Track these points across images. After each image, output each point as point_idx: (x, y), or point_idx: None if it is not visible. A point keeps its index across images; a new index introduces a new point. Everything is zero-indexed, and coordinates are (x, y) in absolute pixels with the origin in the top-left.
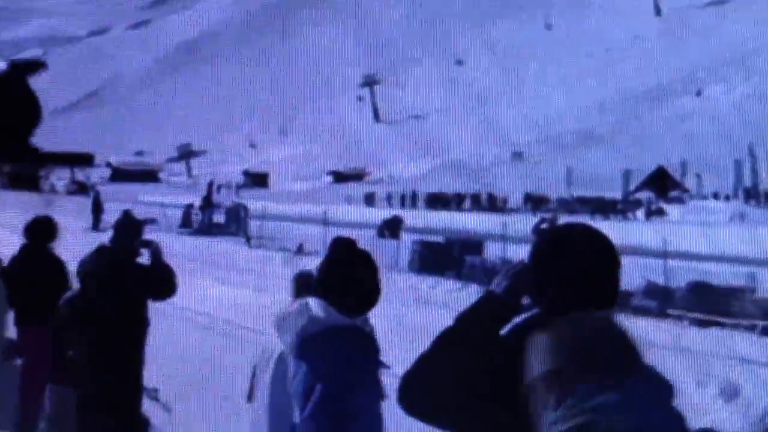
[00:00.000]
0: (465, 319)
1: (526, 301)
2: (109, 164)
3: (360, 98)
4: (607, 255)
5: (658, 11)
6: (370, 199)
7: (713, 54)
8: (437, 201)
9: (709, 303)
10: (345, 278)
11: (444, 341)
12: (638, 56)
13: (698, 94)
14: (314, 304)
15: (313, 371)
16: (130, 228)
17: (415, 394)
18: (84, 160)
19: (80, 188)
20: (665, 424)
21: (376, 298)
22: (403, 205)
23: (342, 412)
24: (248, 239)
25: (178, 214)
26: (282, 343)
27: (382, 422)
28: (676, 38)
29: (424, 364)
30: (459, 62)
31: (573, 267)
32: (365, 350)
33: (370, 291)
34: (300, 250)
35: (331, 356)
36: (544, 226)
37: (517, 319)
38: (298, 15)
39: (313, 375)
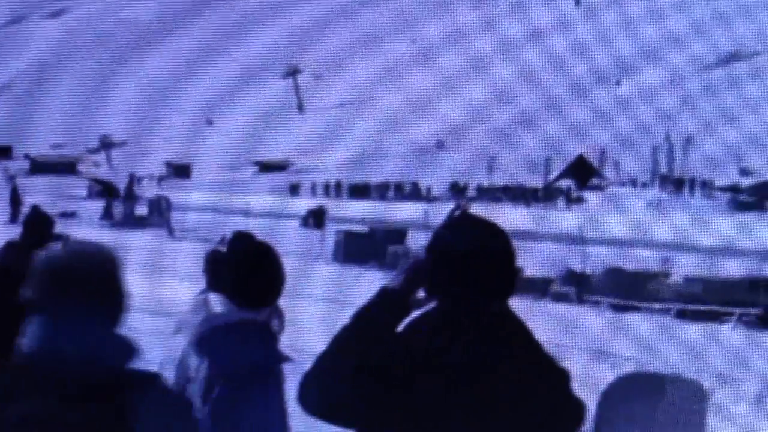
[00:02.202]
0: (362, 316)
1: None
2: (27, 156)
3: (284, 88)
4: (501, 246)
5: (577, 2)
6: (294, 189)
7: (632, 44)
8: (361, 190)
9: (625, 287)
10: (243, 273)
11: (342, 339)
12: (558, 45)
13: (618, 83)
14: (213, 299)
15: (213, 367)
16: (39, 223)
17: (314, 393)
18: (1, 152)
19: None
20: None
21: (276, 291)
22: (327, 194)
23: (243, 407)
24: (171, 231)
25: (99, 206)
26: (183, 339)
27: (286, 416)
28: (595, 28)
29: (322, 363)
30: (381, 51)
31: (469, 259)
32: (265, 344)
33: (270, 285)
34: (223, 242)
35: (230, 351)
36: (457, 214)
37: (414, 314)
38: (218, 4)
39: (213, 370)
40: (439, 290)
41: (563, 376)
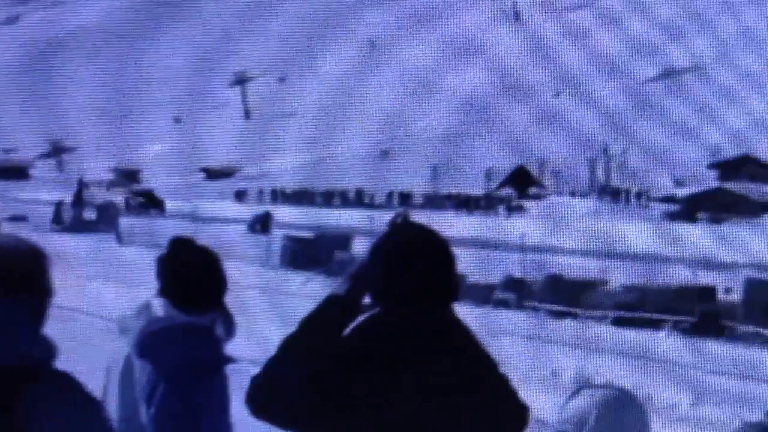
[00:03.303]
0: (309, 322)
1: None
2: None
3: (232, 96)
4: (441, 252)
5: (517, 16)
6: (240, 195)
7: (570, 57)
8: (306, 197)
9: (564, 295)
10: (181, 277)
11: (289, 345)
12: (499, 59)
13: (556, 95)
14: (156, 303)
15: (155, 370)
16: None
17: (262, 397)
18: None
19: None
20: None
21: (217, 296)
22: (273, 201)
23: (186, 411)
24: (119, 236)
25: (50, 210)
26: (125, 344)
27: (229, 418)
28: (535, 42)
29: (270, 368)
30: (316, 65)
31: (409, 265)
32: (206, 347)
33: (210, 289)
34: None
35: (170, 354)
36: (399, 221)
37: (359, 319)
38: (172, 11)
39: (156, 374)
40: (382, 296)
41: (504, 382)
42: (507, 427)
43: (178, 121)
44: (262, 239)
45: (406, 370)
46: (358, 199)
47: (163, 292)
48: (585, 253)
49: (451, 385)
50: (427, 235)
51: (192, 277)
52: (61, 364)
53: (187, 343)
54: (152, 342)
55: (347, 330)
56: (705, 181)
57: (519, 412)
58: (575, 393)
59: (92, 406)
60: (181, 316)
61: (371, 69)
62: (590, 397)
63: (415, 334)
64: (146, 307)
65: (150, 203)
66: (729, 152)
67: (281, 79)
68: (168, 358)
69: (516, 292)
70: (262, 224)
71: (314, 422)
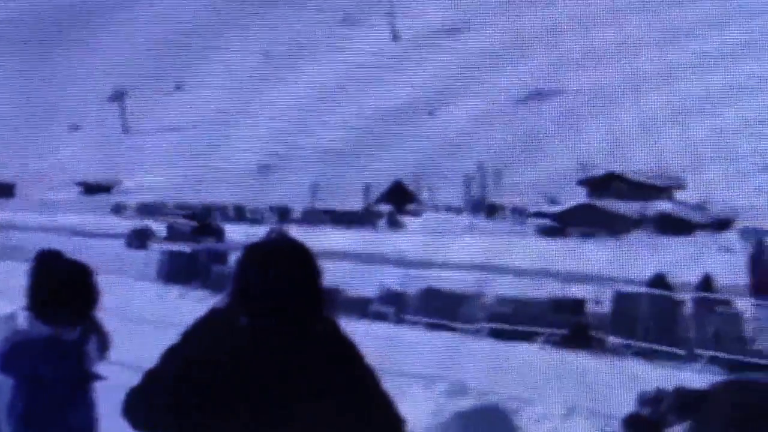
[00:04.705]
0: (189, 334)
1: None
2: None
3: (111, 110)
4: (302, 264)
5: (395, 37)
6: (118, 209)
7: (446, 77)
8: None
9: (441, 308)
10: (45, 290)
11: (168, 356)
12: (375, 78)
13: (431, 113)
14: (21, 316)
15: (17, 384)
16: None
17: (140, 408)
18: None
19: None
20: None
21: (83, 310)
22: (151, 216)
23: (49, 422)
24: None
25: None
26: None
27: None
28: (412, 62)
29: (149, 379)
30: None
31: (265, 278)
32: (70, 361)
33: (76, 303)
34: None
35: (31, 367)
36: (273, 236)
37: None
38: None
39: (17, 388)
40: (244, 307)
41: (381, 394)
42: None
43: (71, 129)
44: (140, 254)
45: (271, 380)
46: (238, 215)
47: (28, 304)
48: (461, 267)
49: (316, 396)
50: (287, 248)
51: (55, 289)
52: None
53: (47, 357)
54: (12, 355)
55: (226, 342)
56: (576, 198)
57: (395, 423)
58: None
59: None
60: (45, 330)
61: (260, 82)
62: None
63: (277, 345)
64: (10, 318)
65: (203, 229)
66: (597, 170)
67: (173, 90)
68: (29, 371)
69: (394, 306)
70: (140, 238)
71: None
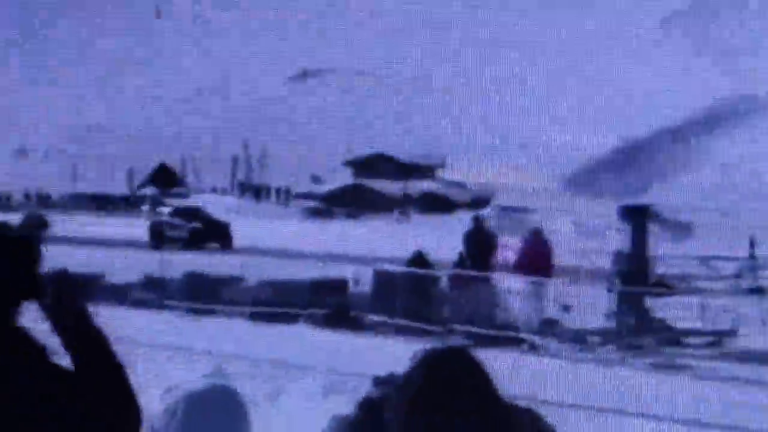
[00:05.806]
0: None
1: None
2: None
3: None
4: (20, 250)
5: (158, 14)
6: None
7: (210, 57)
8: None
9: (204, 292)
10: None
11: None
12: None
13: (198, 93)
14: None
15: None
16: None
17: None
18: None
19: None
20: None
21: None
22: None
23: None
24: None
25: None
26: None
27: None
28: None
29: None
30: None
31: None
32: None
33: None
34: None
35: None
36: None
37: None
38: None
39: None
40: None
41: (120, 378)
42: (116, 426)
43: None
44: None
45: None
46: None
47: None
48: (229, 252)
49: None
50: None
51: None
52: None
53: None
54: None
55: None
56: (342, 178)
57: (133, 409)
58: (169, 389)
59: None
60: None
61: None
62: (181, 391)
63: None
64: None
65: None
66: (363, 151)
67: None
68: None
69: (155, 291)
70: None
71: None
